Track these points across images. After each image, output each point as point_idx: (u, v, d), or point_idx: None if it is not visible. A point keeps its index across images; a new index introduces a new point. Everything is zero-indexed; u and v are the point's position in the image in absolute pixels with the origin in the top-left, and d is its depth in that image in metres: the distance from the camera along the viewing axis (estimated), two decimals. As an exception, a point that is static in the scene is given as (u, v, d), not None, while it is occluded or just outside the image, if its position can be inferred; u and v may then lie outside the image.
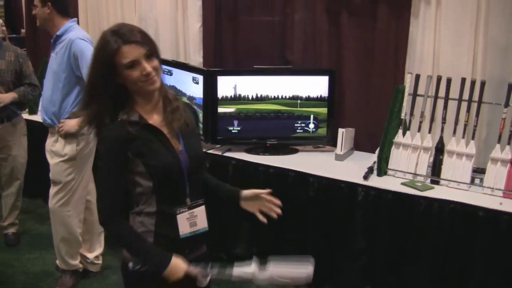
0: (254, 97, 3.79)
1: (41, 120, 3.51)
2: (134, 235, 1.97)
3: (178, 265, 1.93)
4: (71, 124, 3.31)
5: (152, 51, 1.88)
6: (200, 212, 2.04)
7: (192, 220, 2.02)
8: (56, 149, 3.39)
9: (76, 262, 3.60)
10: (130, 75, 1.85)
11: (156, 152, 1.92)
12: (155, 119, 1.96)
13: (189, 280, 1.95)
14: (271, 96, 3.78)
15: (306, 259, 2.01)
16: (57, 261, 3.63)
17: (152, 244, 1.96)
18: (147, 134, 1.92)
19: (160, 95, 1.98)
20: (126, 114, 1.91)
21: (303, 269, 1.99)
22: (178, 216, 1.98)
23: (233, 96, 3.78)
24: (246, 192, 2.18)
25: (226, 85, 3.77)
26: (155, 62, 1.89)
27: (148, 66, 1.85)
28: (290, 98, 3.78)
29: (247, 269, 1.95)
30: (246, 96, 3.79)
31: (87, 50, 3.23)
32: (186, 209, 2.00)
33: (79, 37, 3.28)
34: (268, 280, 1.94)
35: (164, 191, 1.96)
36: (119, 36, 1.84)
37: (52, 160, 3.43)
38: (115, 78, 1.87)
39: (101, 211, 1.96)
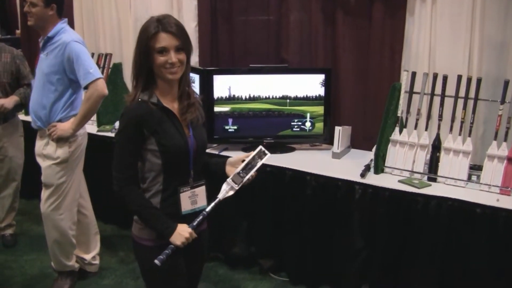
0: (248, 97, 3.79)
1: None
2: (145, 203, 2.17)
3: (183, 229, 2.14)
4: (65, 128, 3.28)
5: (183, 46, 2.13)
6: (201, 192, 2.26)
7: (193, 198, 2.24)
8: (48, 152, 3.35)
9: (71, 263, 3.58)
10: (157, 59, 2.09)
11: (168, 133, 2.13)
12: (171, 106, 2.19)
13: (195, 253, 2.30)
14: (263, 96, 3.80)
15: (256, 148, 2.30)
16: (52, 263, 3.61)
17: (160, 212, 2.16)
18: (163, 116, 2.14)
19: (181, 87, 2.21)
20: (146, 95, 2.13)
21: (263, 155, 2.28)
22: (181, 195, 2.20)
23: (227, 97, 3.78)
24: (230, 159, 2.35)
25: (222, 85, 3.77)
26: (182, 56, 2.13)
27: (174, 57, 2.09)
28: (280, 98, 3.80)
29: (229, 192, 2.21)
30: (240, 96, 3.79)
31: (82, 53, 3.21)
32: (189, 188, 2.22)
33: (74, 40, 3.24)
34: (247, 181, 2.23)
35: (171, 170, 2.16)
36: (160, 24, 2.10)
37: (44, 163, 3.39)
38: (148, 59, 2.10)
39: (116, 179, 2.15)
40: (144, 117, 2.09)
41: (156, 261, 2.06)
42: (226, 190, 2.22)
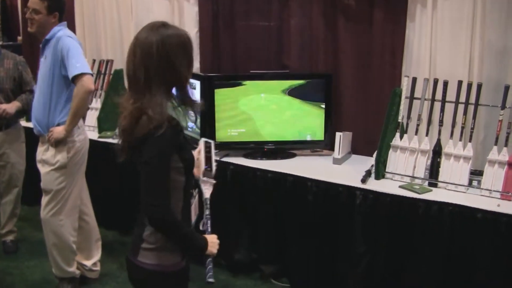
0: (249, 103, 3.80)
1: (38, 128, 3.51)
2: (184, 227, 2.06)
3: (211, 236, 2.14)
4: (59, 130, 3.28)
5: None
6: (196, 199, 2.24)
7: (195, 207, 2.21)
8: (47, 158, 3.36)
9: (72, 269, 3.57)
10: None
11: (185, 147, 2.06)
12: None
13: None
14: (264, 102, 3.81)
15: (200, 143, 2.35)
16: (53, 269, 3.60)
17: (191, 229, 2.13)
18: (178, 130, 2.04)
19: None
20: (167, 114, 1.97)
21: (210, 144, 2.35)
22: (192, 207, 2.17)
23: (228, 103, 3.79)
24: None
25: (223, 92, 3.78)
26: None
27: None
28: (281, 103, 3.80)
29: (210, 188, 2.27)
30: (241, 103, 3.80)
31: (73, 47, 3.21)
32: (194, 198, 2.20)
33: (66, 35, 3.26)
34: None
35: (189, 184, 2.11)
36: None
37: (43, 169, 3.40)
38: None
39: (160, 207, 1.95)
40: (178, 136, 2.00)
41: (211, 280, 2.01)
42: (207, 188, 2.26)
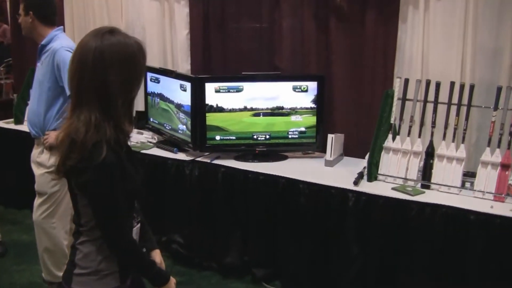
0: (240, 105, 3.77)
1: (27, 131, 3.47)
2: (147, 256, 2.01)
3: (171, 283, 1.97)
4: (55, 136, 3.26)
5: None
6: (138, 227, 1.99)
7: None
8: (42, 160, 3.34)
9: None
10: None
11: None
12: None
13: None
14: (255, 104, 3.77)
15: None
16: (43, 274, 3.56)
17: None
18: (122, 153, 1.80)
19: None
20: (104, 134, 1.71)
21: None
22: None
23: (219, 104, 3.76)
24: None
25: (213, 93, 3.75)
26: None
27: None
28: (273, 105, 3.77)
29: None
30: (232, 104, 3.77)
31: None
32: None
33: (63, 47, 3.24)
34: None
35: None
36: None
37: (37, 171, 3.37)
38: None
39: (129, 244, 1.84)
40: (121, 164, 1.77)
41: None
42: None
